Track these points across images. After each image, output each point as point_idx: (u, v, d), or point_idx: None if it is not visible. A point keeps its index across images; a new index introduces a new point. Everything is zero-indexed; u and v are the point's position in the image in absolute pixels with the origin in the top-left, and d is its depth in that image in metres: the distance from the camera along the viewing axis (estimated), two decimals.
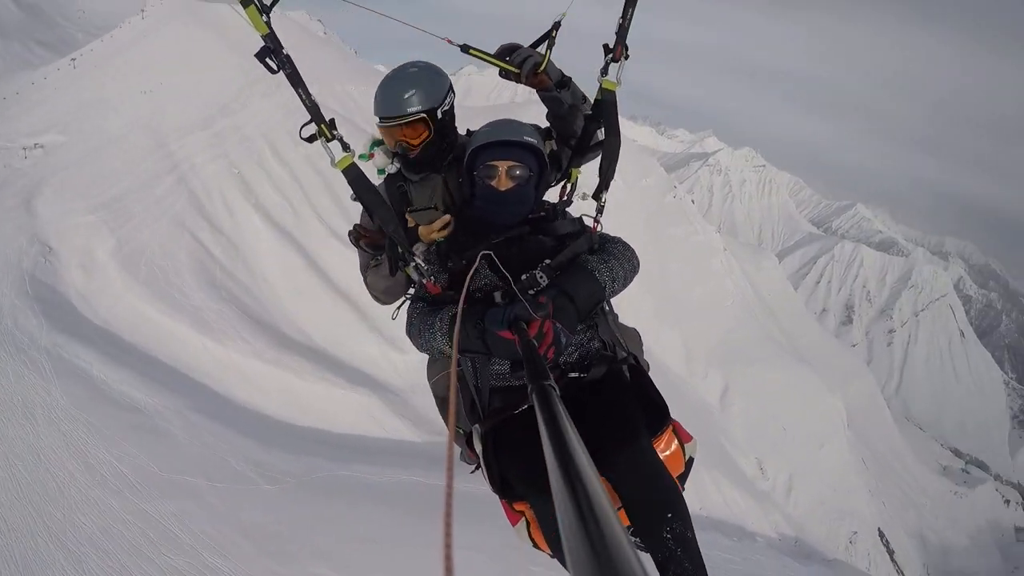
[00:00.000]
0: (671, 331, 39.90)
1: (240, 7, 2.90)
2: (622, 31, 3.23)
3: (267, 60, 3.02)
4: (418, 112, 3.29)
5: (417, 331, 2.93)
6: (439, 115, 3.38)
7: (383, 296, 3.68)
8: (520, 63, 3.23)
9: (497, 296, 2.84)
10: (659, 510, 2.41)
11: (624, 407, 2.70)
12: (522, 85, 3.39)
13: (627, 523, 2.51)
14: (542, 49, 3.28)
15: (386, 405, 12.92)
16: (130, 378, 9.95)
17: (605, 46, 3.26)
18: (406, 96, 3.27)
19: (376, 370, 14.13)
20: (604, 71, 3.29)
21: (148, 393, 9.68)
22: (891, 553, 63.71)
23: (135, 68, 23.24)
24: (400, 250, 3.17)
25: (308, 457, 9.65)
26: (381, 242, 3.34)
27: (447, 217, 3.29)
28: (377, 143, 3.59)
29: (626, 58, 3.26)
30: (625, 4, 3.20)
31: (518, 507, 2.69)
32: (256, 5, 2.89)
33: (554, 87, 3.34)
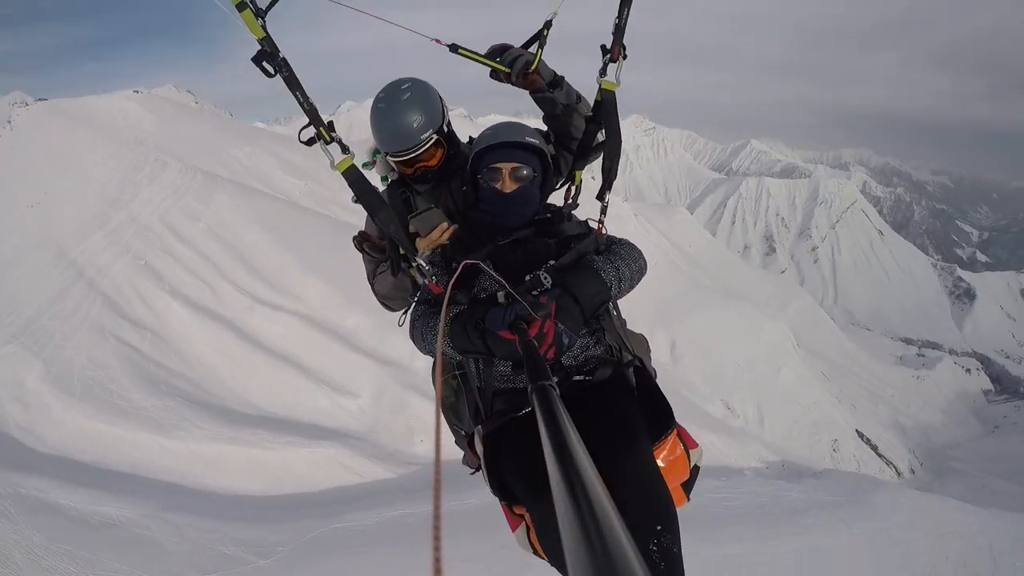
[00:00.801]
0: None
1: (235, 12, 2.86)
2: (618, 31, 3.22)
3: (264, 64, 2.98)
4: (431, 136, 3.27)
5: (420, 334, 2.93)
6: (445, 130, 3.39)
7: (391, 302, 3.64)
8: (511, 62, 3.22)
9: (500, 296, 2.79)
10: (649, 520, 2.30)
11: (624, 410, 2.68)
12: (514, 87, 3.35)
13: None
14: (533, 49, 3.24)
15: (353, 451, 12.89)
16: (95, 496, 9.70)
17: (603, 47, 3.26)
18: (415, 125, 3.23)
19: (333, 421, 14.07)
20: (603, 72, 3.27)
21: (118, 506, 9.47)
22: (875, 448, 65.55)
23: (16, 183, 22.61)
24: (402, 251, 3.15)
25: (294, 522, 9.60)
26: (383, 245, 3.34)
27: (446, 225, 3.20)
28: (377, 152, 3.57)
29: (624, 58, 3.25)
30: (620, 4, 3.20)
31: (518, 511, 2.66)
32: (251, 8, 2.85)
33: (546, 87, 3.32)
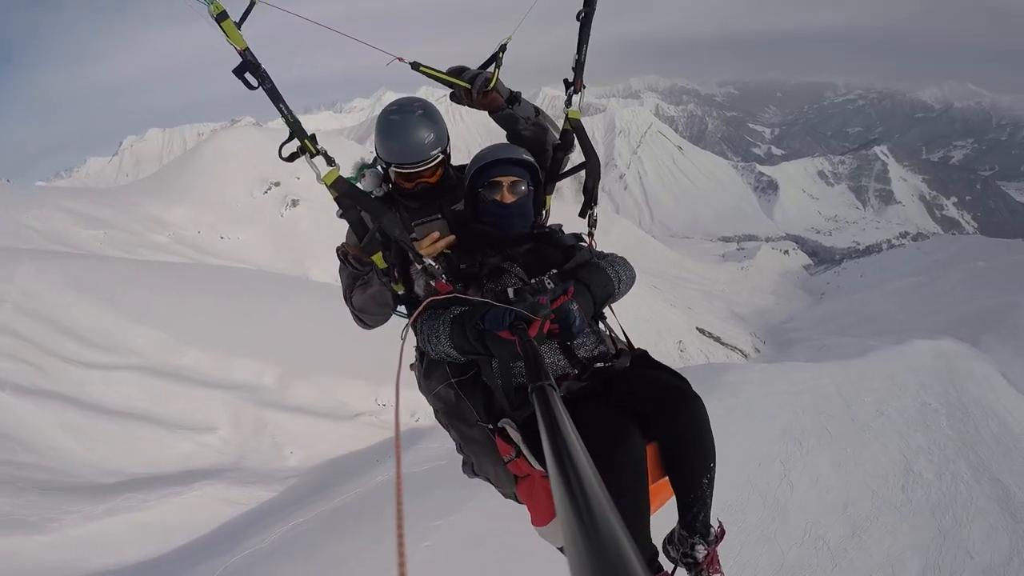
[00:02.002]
0: None
1: (215, 22, 2.84)
2: (579, 66, 3.53)
3: (246, 76, 2.96)
4: (439, 154, 3.36)
5: (425, 338, 2.96)
6: (448, 150, 3.49)
7: (367, 316, 3.58)
8: (471, 79, 3.34)
9: (510, 292, 2.92)
10: (705, 461, 2.69)
11: (668, 377, 2.92)
12: (473, 108, 3.50)
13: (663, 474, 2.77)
14: (491, 70, 3.38)
15: (228, 483, 12.82)
16: None
17: (565, 80, 3.56)
18: (426, 141, 3.29)
19: (200, 461, 13.85)
20: (568, 103, 3.55)
21: None
22: (718, 339, 69.75)
23: None
24: (409, 254, 3.13)
25: (194, 569, 9.66)
26: (367, 258, 3.31)
27: (451, 237, 3.30)
28: (366, 166, 3.58)
29: (584, 88, 3.56)
30: (579, 42, 3.49)
31: None
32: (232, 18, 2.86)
33: (505, 104, 3.47)
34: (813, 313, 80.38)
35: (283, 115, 3.10)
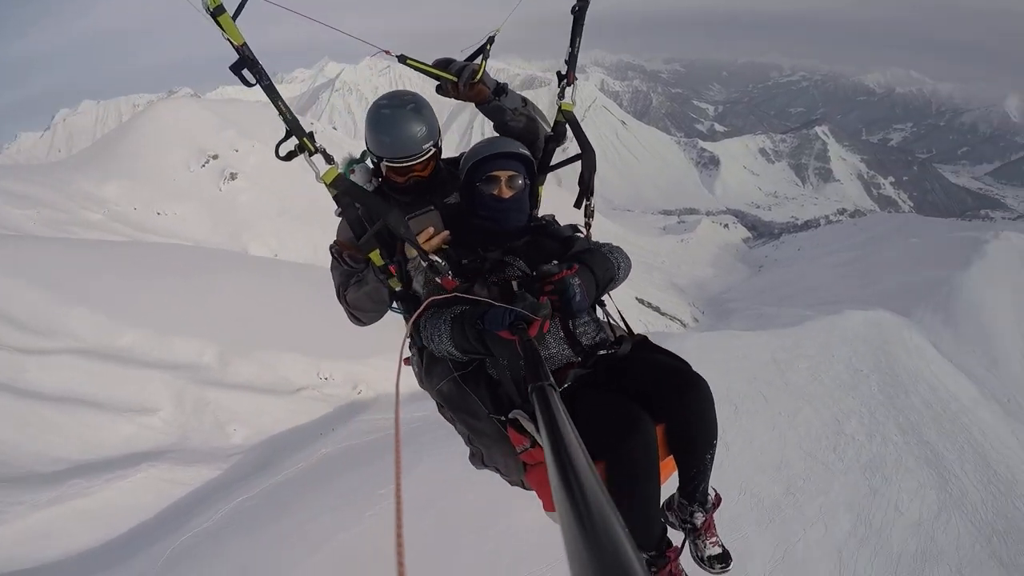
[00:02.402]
0: None
1: (211, 18, 2.77)
2: (572, 59, 3.55)
3: (243, 73, 2.92)
4: (430, 147, 3.34)
5: (428, 336, 2.98)
6: (440, 144, 3.45)
7: (362, 313, 3.55)
8: (458, 71, 3.31)
9: (515, 285, 2.95)
10: (708, 439, 2.77)
11: (672, 358, 2.97)
12: (460, 101, 3.46)
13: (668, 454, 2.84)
14: (478, 61, 3.34)
15: (172, 463, 12.66)
16: None
17: (558, 73, 3.58)
18: (418, 135, 3.28)
19: (143, 443, 13.52)
20: (561, 95, 3.59)
21: None
22: (657, 309, 70.97)
23: None
24: (415, 251, 3.12)
25: (145, 552, 9.72)
26: (363, 256, 3.28)
27: (446, 232, 3.26)
28: (356, 161, 3.56)
29: (575, 80, 3.57)
30: (572, 35, 3.53)
31: None
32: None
33: (492, 95, 3.44)
34: (751, 285, 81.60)
35: (281, 113, 3.06)
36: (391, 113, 3.29)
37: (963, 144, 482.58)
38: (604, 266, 3.05)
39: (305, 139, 3.10)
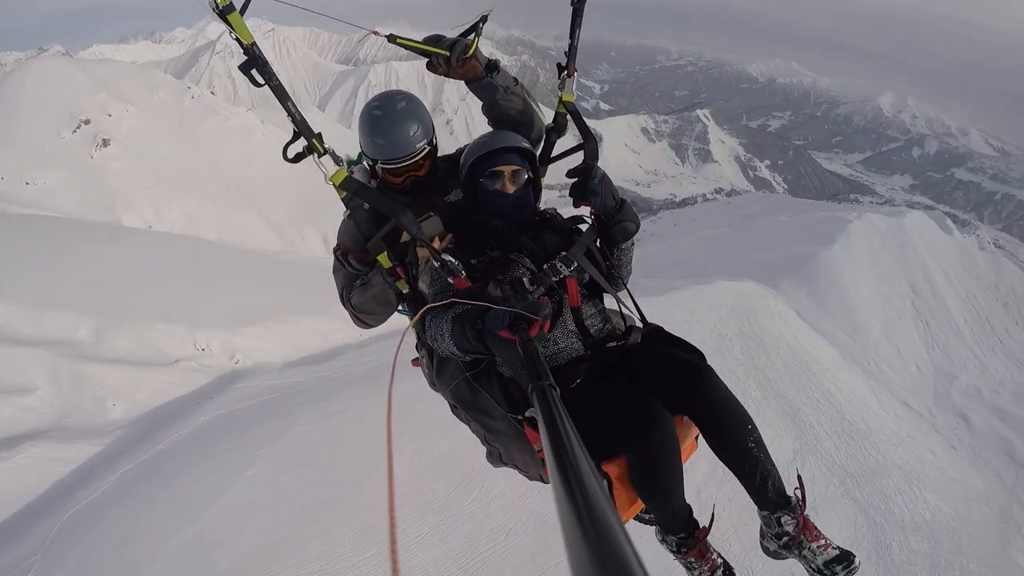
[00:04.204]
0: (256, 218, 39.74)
1: (220, 16, 2.75)
2: (572, 51, 3.51)
3: (252, 73, 2.88)
4: (425, 146, 3.29)
5: (432, 336, 2.92)
6: (435, 141, 3.42)
7: (369, 316, 3.46)
8: (450, 47, 3.22)
9: (525, 280, 2.96)
10: (741, 425, 2.68)
11: (682, 350, 3.00)
12: (451, 78, 3.37)
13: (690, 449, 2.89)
14: (470, 38, 3.27)
15: (55, 442, 12.37)
16: None
17: (559, 65, 3.52)
18: (411, 134, 3.23)
19: (22, 424, 12.99)
20: (562, 86, 3.53)
21: None
22: None
23: None
24: (428, 251, 3.05)
25: (29, 532, 9.91)
26: (368, 258, 3.23)
27: (450, 236, 3.24)
28: (352, 163, 3.49)
29: (576, 72, 3.51)
30: (572, 28, 3.49)
31: (605, 468, 2.68)
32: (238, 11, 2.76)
33: (484, 73, 3.35)
34: None
35: (290, 114, 3.05)
36: (383, 114, 3.26)
37: (838, 134, 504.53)
38: (634, 215, 3.23)
39: (314, 140, 3.08)
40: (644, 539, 2.61)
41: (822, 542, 2.60)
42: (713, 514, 2.96)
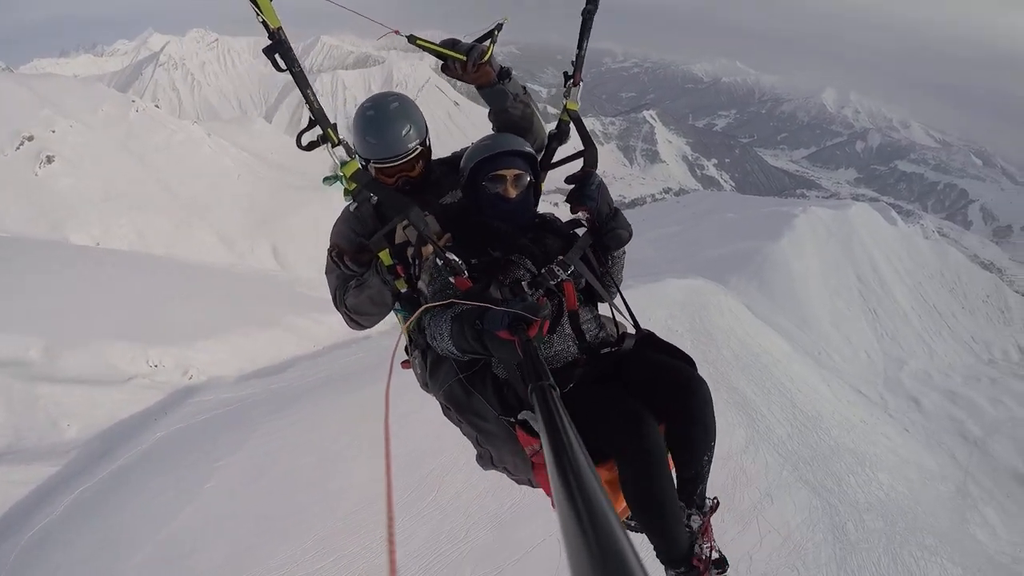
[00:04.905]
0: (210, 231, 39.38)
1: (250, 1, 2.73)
2: (579, 60, 3.58)
3: (276, 57, 2.91)
4: (417, 146, 3.33)
5: (431, 335, 2.92)
6: (428, 143, 3.46)
7: (363, 317, 3.48)
8: (466, 51, 3.29)
9: (525, 284, 2.99)
10: (707, 441, 2.84)
11: (676, 358, 3.08)
12: (463, 82, 3.44)
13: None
14: (486, 44, 3.35)
15: (10, 465, 12.19)
16: None
17: (565, 74, 3.60)
18: (403, 134, 3.26)
19: None
20: (567, 95, 3.60)
21: None
22: None
23: None
24: (432, 249, 3.06)
25: None
26: (365, 258, 3.25)
27: (447, 235, 3.26)
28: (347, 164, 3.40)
29: (582, 82, 3.60)
30: (580, 38, 3.55)
31: (596, 470, 2.86)
32: None
33: (496, 79, 3.44)
34: None
35: (308, 101, 3.11)
36: (375, 114, 3.30)
37: (783, 131, 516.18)
38: (625, 223, 3.30)
39: (329, 130, 3.14)
40: (644, 540, 2.69)
41: (711, 544, 2.79)
42: (712, 548, 2.90)
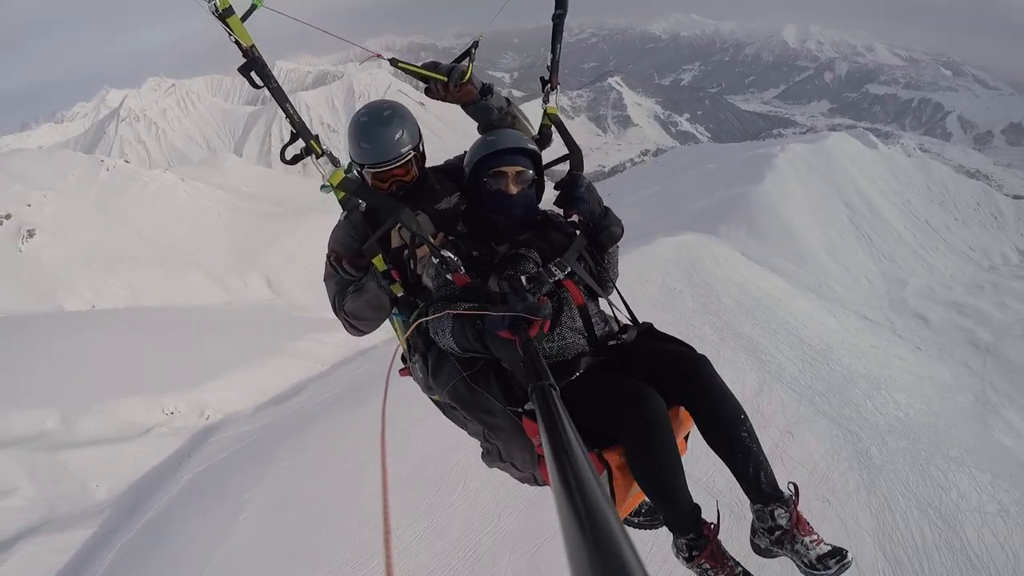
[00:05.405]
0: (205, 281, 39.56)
1: (220, 19, 2.78)
2: (555, 64, 3.66)
3: (251, 75, 2.92)
4: (410, 151, 3.38)
5: (434, 332, 2.95)
6: (421, 148, 3.52)
7: (361, 323, 3.47)
8: (448, 72, 3.41)
9: (524, 279, 2.98)
10: (734, 417, 2.74)
11: (679, 344, 3.08)
12: (447, 103, 3.54)
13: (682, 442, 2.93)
14: (464, 64, 3.45)
15: (50, 533, 12.41)
16: None
17: (541, 79, 3.68)
18: (396, 138, 3.33)
19: (5, 526, 13.08)
20: (546, 99, 3.67)
21: None
22: None
23: None
24: (428, 248, 3.10)
25: None
26: (363, 263, 3.24)
27: (441, 235, 3.32)
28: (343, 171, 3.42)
29: (559, 86, 3.67)
30: (552, 42, 3.65)
31: (606, 456, 2.70)
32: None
33: (479, 96, 3.52)
34: None
35: (288, 115, 3.11)
36: (369, 120, 3.39)
37: (749, 74, 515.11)
38: (616, 219, 3.38)
39: (313, 142, 3.14)
40: (644, 540, 2.78)
41: (815, 536, 2.60)
42: (719, 512, 2.87)
